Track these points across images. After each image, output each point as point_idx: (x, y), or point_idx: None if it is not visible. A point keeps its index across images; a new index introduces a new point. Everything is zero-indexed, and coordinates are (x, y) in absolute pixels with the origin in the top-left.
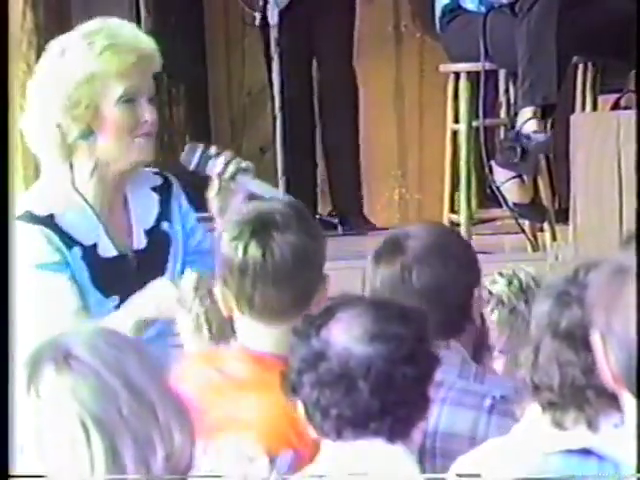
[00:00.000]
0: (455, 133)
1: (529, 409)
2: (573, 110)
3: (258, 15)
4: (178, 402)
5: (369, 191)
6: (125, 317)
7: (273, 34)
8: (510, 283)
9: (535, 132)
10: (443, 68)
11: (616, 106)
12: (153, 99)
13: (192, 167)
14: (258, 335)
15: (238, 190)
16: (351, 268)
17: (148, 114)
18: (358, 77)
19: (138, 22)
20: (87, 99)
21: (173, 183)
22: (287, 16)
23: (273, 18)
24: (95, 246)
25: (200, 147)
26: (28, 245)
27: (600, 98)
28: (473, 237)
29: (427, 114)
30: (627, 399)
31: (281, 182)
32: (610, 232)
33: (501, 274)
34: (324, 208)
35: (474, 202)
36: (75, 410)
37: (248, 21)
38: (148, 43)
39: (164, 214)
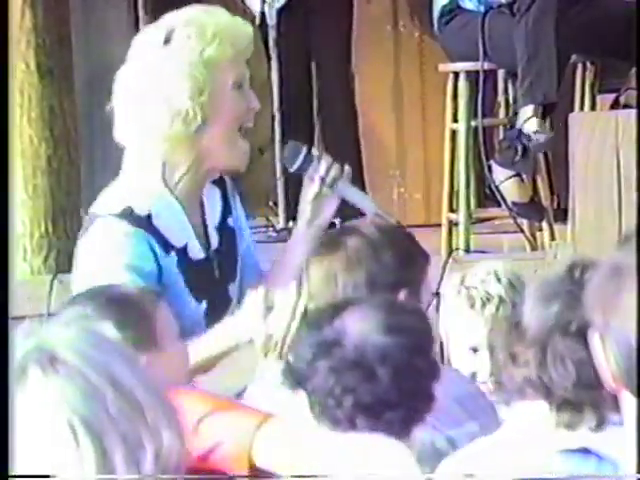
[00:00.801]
0: (454, 132)
1: (523, 408)
2: (572, 109)
3: (258, 15)
4: (165, 402)
5: (368, 190)
6: (212, 344)
7: (272, 34)
8: (499, 279)
9: (536, 132)
10: (442, 67)
11: (616, 104)
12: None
13: (294, 168)
14: None
15: (333, 198)
16: None
17: (254, 101)
18: (357, 77)
19: (136, 22)
20: (210, 84)
21: (226, 179)
22: (285, 16)
23: (271, 18)
24: (185, 248)
25: (304, 148)
26: (124, 247)
27: (599, 97)
28: (472, 236)
29: (426, 113)
30: (627, 399)
31: (280, 182)
32: (609, 231)
33: (477, 274)
34: None
35: (473, 201)
36: (63, 412)
37: (248, 21)
38: (250, 30)
39: (227, 208)
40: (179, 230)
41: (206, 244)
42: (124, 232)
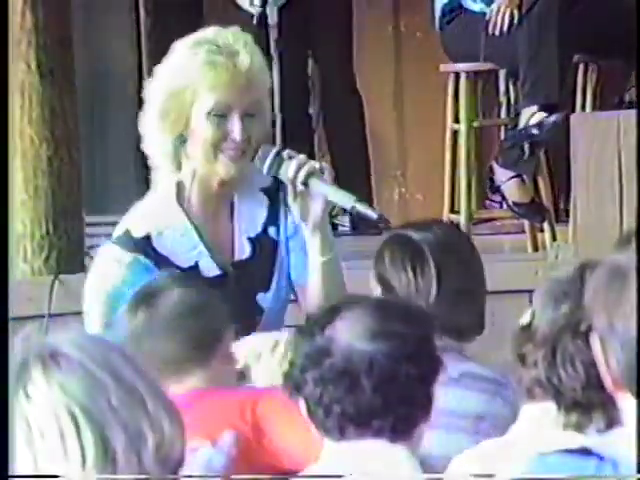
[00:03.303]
0: (455, 133)
1: (524, 409)
2: (573, 110)
3: (256, 15)
4: (166, 397)
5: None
6: None
7: (272, 34)
8: None
9: (546, 117)
10: (443, 68)
11: (621, 102)
12: (251, 115)
13: (265, 171)
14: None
15: (316, 195)
16: (357, 269)
17: (236, 131)
18: (358, 77)
19: (137, 22)
20: (177, 111)
21: (283, 185)
22: (284, 16)
23: (273, 18)
24: (196, 266)
25: (273, 150)
26: (118, 271)
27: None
28: (473, 237)
29: (427, 114)
30: (627, 400)
31: None
32: (610, 232)
33: None
34: None
35: (474, 202)
36: (64, 403)
37: (245, 21)
38: (250, 60)
39: (271, 218)
40: (188, 249)
41: (229, 257)
42: (116, 259)
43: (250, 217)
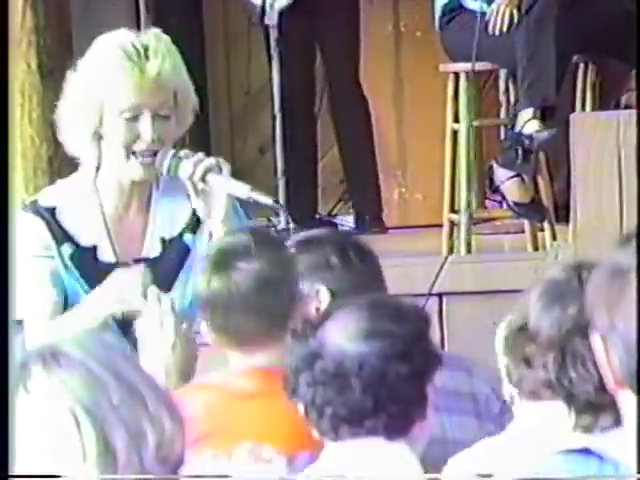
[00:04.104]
0: (455, 132)
1: (522, 408)
2: (573, 109)
3: (259, 12)
4: (167, 396)
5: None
6: (87, 313)
7: (273, 34)
8: None
9: (537, 132)
10: (443, 68)
11: (617, 106)
12: (162, 116)
13: (164, 171)
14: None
15: (215, 190)
16: None
17: (146, 132)
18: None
19: (138, 22)
20: (93, 110)
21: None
22: (290, 15)
23: (272, 19)
24: (95, 248)
25: (171, 151)
26: (21, 232)
27: None
28: (473, 237)
29: (427, 113)
30: (628, 400)
31: (281, 182)
32: (610, 231)
33: None
34: (324, 208)
35: (474, 202)
36: (65, 401)
37: (255, 20)
38: (161, 63)
39: (192, 226)
40: (91, 229)
41: (136, 251)
42: (25, 222)
43: (169, 218)
